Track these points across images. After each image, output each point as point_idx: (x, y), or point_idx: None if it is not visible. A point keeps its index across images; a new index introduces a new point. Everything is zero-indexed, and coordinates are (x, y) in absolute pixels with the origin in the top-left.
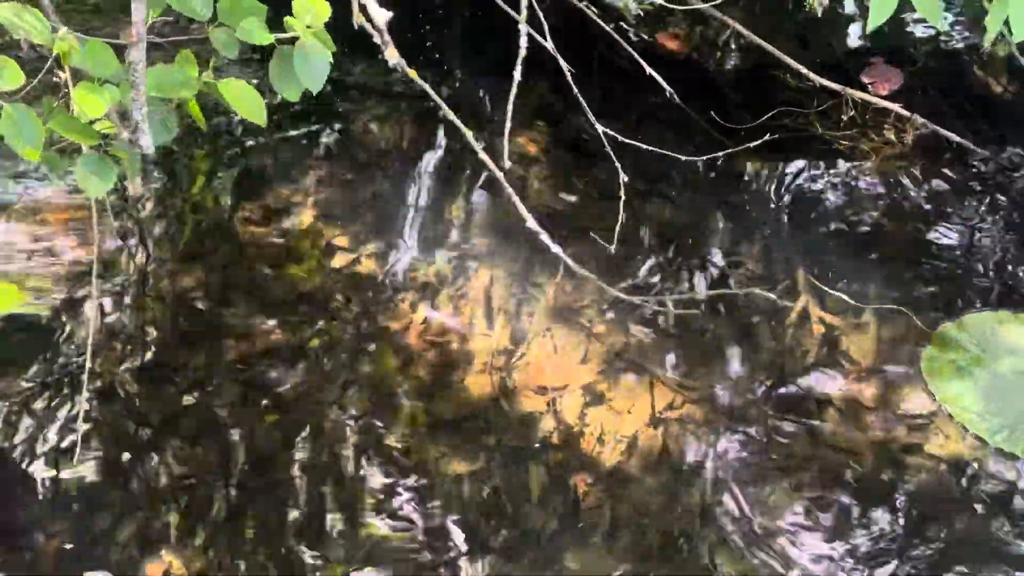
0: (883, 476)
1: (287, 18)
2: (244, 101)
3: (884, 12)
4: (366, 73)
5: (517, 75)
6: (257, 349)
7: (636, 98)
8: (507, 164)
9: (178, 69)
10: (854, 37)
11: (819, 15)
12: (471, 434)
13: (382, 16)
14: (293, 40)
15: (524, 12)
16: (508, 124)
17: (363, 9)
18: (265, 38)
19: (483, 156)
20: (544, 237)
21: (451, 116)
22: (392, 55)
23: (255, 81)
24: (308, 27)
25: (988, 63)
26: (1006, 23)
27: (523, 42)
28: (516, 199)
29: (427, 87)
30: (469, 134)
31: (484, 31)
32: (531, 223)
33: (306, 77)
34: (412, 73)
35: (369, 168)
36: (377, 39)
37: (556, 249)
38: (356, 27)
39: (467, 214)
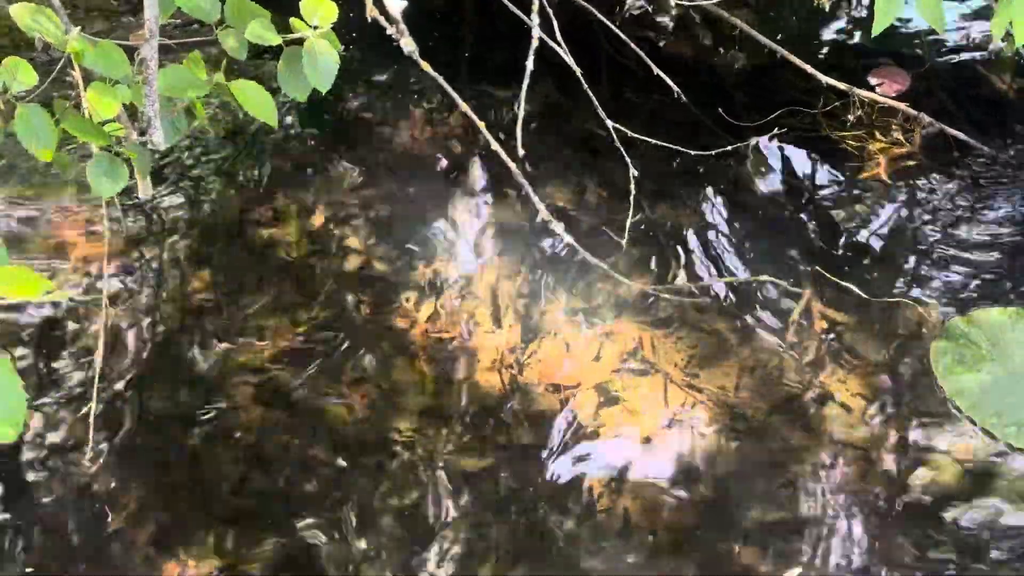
0: (892, 472)
1: (293, 19)
2: (255, 101)
3: (887, 17)
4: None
5: (529, 65)
6: (268, 350)
7: (645, 98)
8: (520, 152)
9: (188, 70)
10: (861, 37)
11: (826, 10)
12: (483, 432)
13: (397, 5)
14: (301, 41)
15: (536, 4)
16: (521, 112)
17: (377, 0)
18: (273, 39)
19: (496, 147)
20: (557, 227)
21: (464, 108)
22: (408, 44)
23: None
24: (315, 28)
25: (995, 62)
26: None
27: (535, 32)
28: (528, 188)
29: (440, 79)
30: (482, 125)
31: (495, 29)
32: (543, 212)
33: (314, 78)
34: (426, 65)
35: (380, 166)
36: (391, 30)
37: (568, 238)
38: (369, 20)
39: (479, 212)
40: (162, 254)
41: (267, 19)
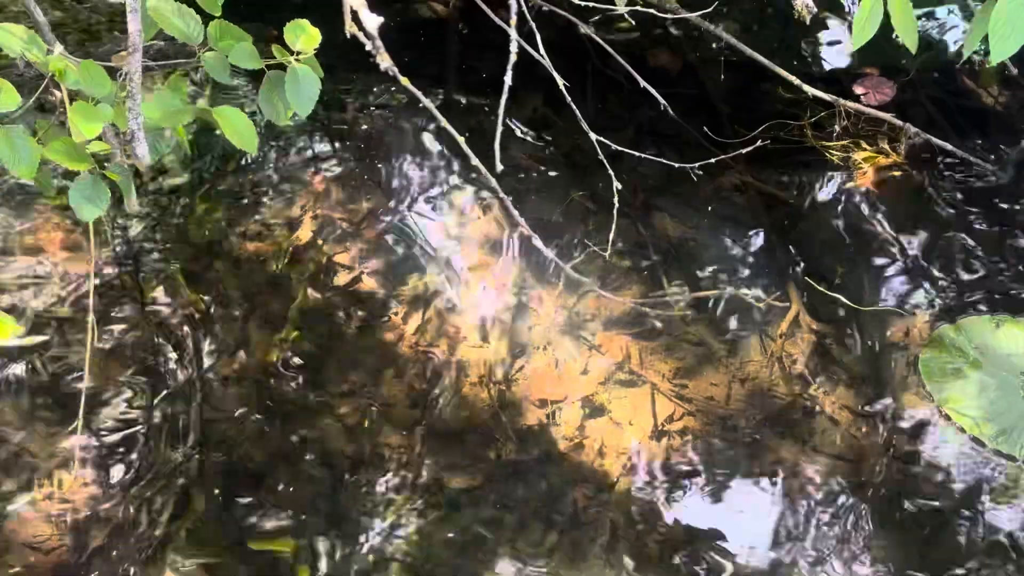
0: (881, 480)
1: (275, 46)
2: (235, 127)
3: (866, 33)
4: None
5: (508, 80)
6: (255, 365)
7: (631, 112)
8: (499, 167)
9: (174, 96)
10: (846, 49)
11: (807, 23)
12: (471, 447)
13: (373, 22)
14: (283, 65)
15: (514, 18)
16: (499, 128)
17: (354, 16)
18: (255, 63)
19: (476, 162)
20: (536, 241)
21: (444, 123)
22: (384, 60)
23: None
24: (298, 53)
25: (979, 73)
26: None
27: (513, 47)
28: (508, 202)
29: (419, 94)
30: (462, 140)
31: (484, 40)
32: (524, 227)
33: (296, 101)
34: (405, 81)
35: (367, 181)
36: (369, 46)
37: (549, 253)
38: (348, 36)
39: (467, 226)
40: (149, 268)
41: (250, 42)
